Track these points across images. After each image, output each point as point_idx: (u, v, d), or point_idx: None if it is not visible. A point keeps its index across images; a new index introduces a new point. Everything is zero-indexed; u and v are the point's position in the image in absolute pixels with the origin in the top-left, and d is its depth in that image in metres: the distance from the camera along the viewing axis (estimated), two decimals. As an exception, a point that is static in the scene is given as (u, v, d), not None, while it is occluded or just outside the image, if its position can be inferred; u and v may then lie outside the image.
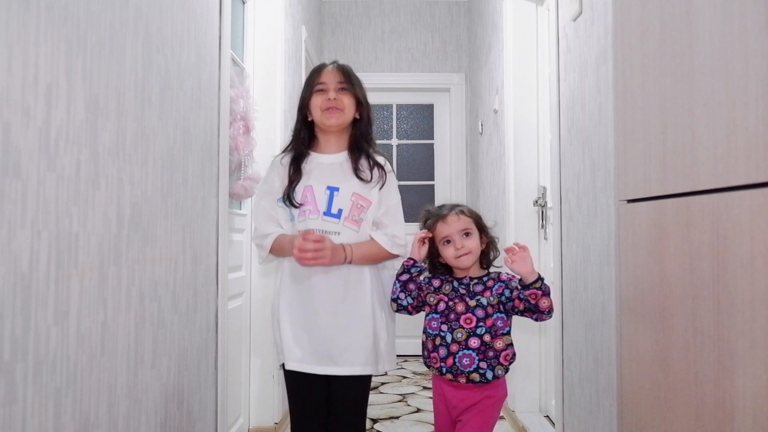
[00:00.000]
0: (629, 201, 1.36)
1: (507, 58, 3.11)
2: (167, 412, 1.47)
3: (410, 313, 1.72)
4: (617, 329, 1.48)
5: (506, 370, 1.62)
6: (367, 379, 1.72)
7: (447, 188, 4.67)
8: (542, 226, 2.94)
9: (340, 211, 1.69)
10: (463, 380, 1.59)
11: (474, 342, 1.58)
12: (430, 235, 1.69)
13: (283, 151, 1.83)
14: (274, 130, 2.81)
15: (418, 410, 3.20)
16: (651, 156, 1.22)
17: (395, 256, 1.74)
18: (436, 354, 1.62)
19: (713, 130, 0.96)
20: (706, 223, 0.99)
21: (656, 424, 1.20)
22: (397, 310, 1.72)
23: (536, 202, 2.94)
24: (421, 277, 1.70)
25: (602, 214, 1.75)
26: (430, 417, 3.10)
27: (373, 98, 1.84)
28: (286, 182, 1.73)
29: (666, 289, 1.14)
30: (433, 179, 4.72)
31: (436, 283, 1.70)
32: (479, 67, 4.16)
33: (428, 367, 1.67)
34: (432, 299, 1.67)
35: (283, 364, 1.71)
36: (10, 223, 0.86)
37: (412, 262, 1.69)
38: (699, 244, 1.01)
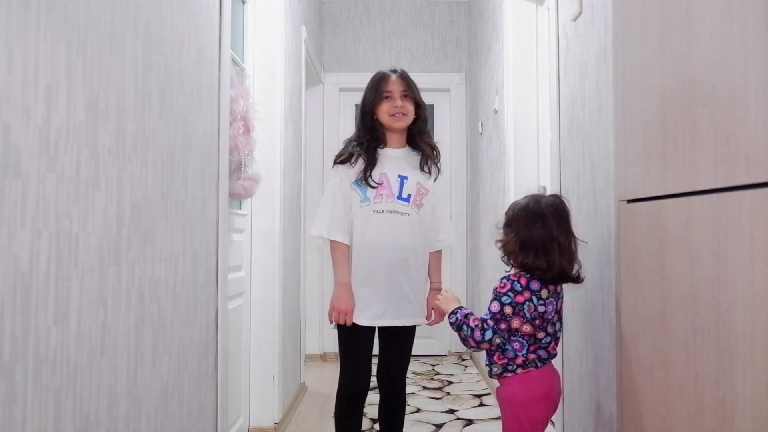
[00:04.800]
0: (629, 201, 1.36)
1: (507, 58, 3.11)
2: (167, 412, 1.47)
3: None
4: (617, 329, 1.48)
5: (503, 370, 1.60)
6: (414, 328, 2.13)
7: (447, 188, 4.67)
8: (542, 226, 2.94)
9: (409, 195, 2.06)
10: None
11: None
12: None
13: (347, 152, 2.08)
14: (274, 130, 2.81)
15: (418, 410, 3.20)
16: (651, 156, 1.22)
17: None
18: None
19: (713, 130, 0.96)
20: (706, 223, 0.98)
21: (656, 424, 1.20)
22: None
23: (536, 202, 2.94)
24: None
25: (602, 214, 1.75)
26: (431, 417, 3.10)
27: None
28: (361, 168, 2.04)
29: (666, 289, 1.14)
30: (433, 179, 4.72)
31: None
32: (479, 67, 4.16)
33: None
34: None
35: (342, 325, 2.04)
36: (10, 223, 0.86)
37: None
38: (699, 244, 1.01)
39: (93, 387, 1.10)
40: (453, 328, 1.65)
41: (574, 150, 2.01)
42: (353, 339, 2.05)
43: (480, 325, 1.57)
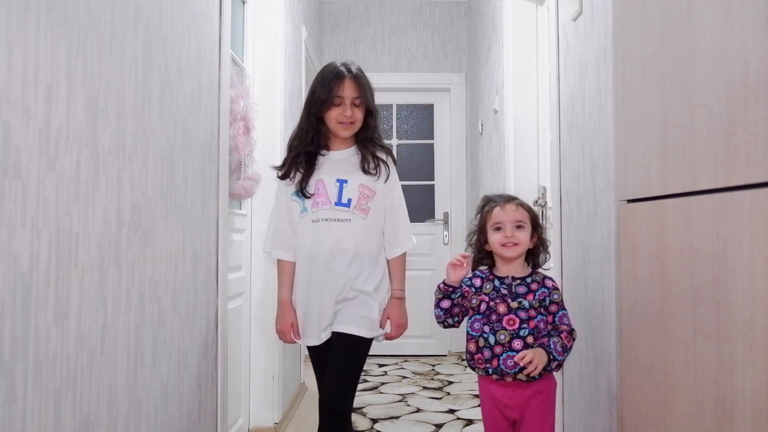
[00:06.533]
0: (629, 201, 1.36)
1: (507, 58, 3.11)
2: (167, 412, 1.47)
3: (458, 326, 1.75)
4: (617, 329, 1.47)
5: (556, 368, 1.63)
6: (361, 341, 1.83)
7: (447, 188, 4.67)
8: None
9: (349, 200, 1.87)
10: (509, 379, 1.59)
11: (517, 344, 1.57)
12: (466, 256, 1.71)
13: (287, 163, 1.93)
14: (274, 130, 2.81)
15: (418, 410, 3.20)
16: (651, 156, 1.22)
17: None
18: (480, 356, 1.61)
19: (713, 130, 0.96)
20: (706, 223, 0.98)
21: (656, 424, 1.20)
22: (445, 328, 1.76)
23: (536, 202, 2.94)
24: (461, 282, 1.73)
25: (602, 214, 1.75)
26: (431, 417, 3.10)
27: (373, 98, 1.88)
28: (298, 178, 1.89)
29: (666, 289, 1.14)
30: (433, 179, 4.72)
31: (477, 282, 1.68)
32: (479, 67, 4.16)
33: (473, 369, 1.67)
34: (474, 301, 1.66)
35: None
36: (10, 223, 0.86)
37: (450, 289, 1.68)
38: (699, 244, 1.01)
39: (93, 387, 1.10)
40: (564, 358, 1.63)
41: (574, 150, 2.01)
42: (312, 357, 1.94)
43: (572, 334, 1.64)
